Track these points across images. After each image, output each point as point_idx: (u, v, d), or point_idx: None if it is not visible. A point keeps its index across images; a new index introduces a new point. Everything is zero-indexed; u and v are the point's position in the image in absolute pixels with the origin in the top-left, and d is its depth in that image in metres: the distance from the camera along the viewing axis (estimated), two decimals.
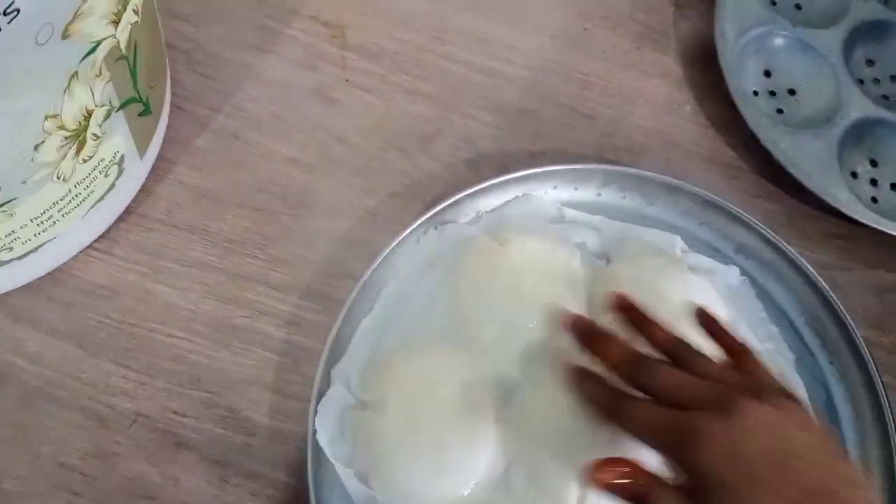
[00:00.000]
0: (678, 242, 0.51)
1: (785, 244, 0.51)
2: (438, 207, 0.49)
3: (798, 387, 0.49)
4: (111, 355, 0.46)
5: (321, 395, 0.44)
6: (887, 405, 0.47)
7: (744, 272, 0.52)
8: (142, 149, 0.46)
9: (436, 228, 0.50)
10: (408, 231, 0.48)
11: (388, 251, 0.47)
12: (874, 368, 0.48)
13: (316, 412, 0.43)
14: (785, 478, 0.31)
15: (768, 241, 0.52)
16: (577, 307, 0.48)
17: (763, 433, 0.32)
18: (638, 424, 0.35)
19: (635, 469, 0.35)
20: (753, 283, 0.52)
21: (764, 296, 0.51)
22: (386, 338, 0.47)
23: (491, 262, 0.48)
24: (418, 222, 0.48)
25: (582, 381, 0.39)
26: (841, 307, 0.50)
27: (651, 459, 0.38)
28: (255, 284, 0.49)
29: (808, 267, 0.50)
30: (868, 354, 0.49)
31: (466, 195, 0.50)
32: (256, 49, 0.56)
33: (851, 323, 0.49)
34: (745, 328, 0.50)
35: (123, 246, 0.49)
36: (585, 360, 0.46)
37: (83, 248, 0.47)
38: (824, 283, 0.50)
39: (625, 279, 0.49)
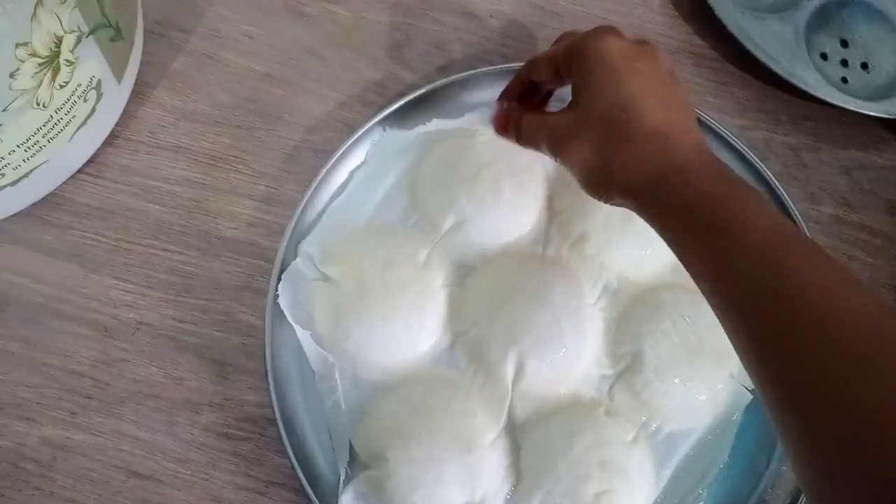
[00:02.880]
0: None
1: (750, 153, 0.52)
2: (411, 96, 0.51)
3: None
4: (110, 271, 0.49)
5: (286, 266, 0.48)
6: None
7: None
8: (118, 74, 0.48)
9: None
10: (385, 113, 0.51)
11: (362, 131, 0.50)
12: None
13: (280, 279, 0.47)
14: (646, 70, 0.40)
15: (736, 153, 0.52)
16: (537, 204, 0.51)
17: (657, 53, 0.41)
18: (551, 53, 0.44)
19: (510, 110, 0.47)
20: None
21: None
22: (352, 218, 0.50)
23: (458, 155, 0.50)
24: (396, 105, 0.51)
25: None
26: (800, 218, 0.51)
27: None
28: (240, 198, 0.51)
29: (770, 176, 0.52)
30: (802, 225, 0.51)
31: (432, 89, 0.52)
32: None
33: (786, 195, 0.51)
34: None
35: (112, 169, 0.51)
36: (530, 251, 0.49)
37: (73, 172, 0.50)
38: (784, 193, 0.51)
39: None
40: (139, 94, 0.52)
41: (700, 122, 0.52)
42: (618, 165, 0.38)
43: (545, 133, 0.43)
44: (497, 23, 0.57)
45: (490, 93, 0.53)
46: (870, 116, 0.55)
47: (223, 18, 0.55)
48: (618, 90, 0.38)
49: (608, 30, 0.41)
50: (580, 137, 0.40)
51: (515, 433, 0.47)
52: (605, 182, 0.40)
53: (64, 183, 0.50)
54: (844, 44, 0.59)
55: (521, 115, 0.46)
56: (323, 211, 0.50)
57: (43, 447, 0.46)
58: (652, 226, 0.38)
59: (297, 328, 0.47)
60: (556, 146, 0.42)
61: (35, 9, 0.37)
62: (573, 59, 0.41)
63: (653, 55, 0.41)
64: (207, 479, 0.46)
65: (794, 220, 0.51)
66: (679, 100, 0.40)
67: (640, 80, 0.39)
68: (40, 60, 0.39)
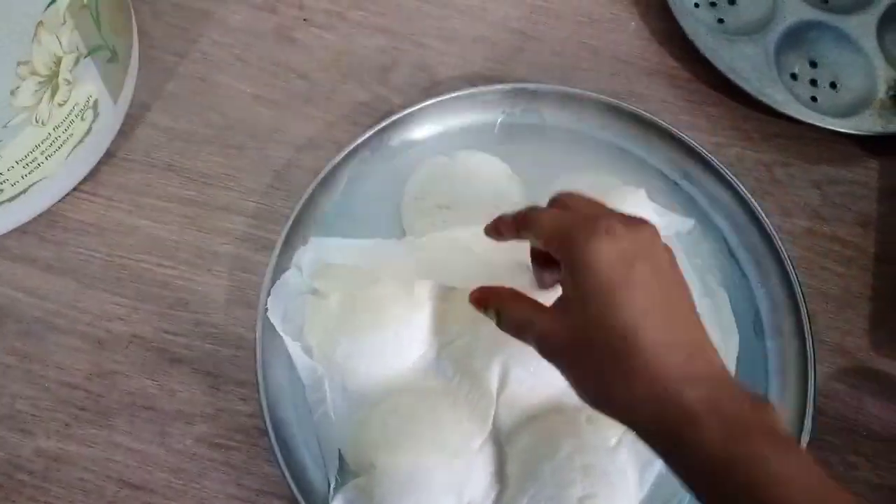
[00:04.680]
0: (641, 196, 0.53)
1: (724, 168, 0.54)
2: (397, 116, 0.53)
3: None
4: (104, 286, 0.50)
5: (276, 280, 0.49)
6: (808, 324, 0.50)
7: (690, 198, 0.55)
8: (114, 94, 0.50)
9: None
10: (369, 133, 0.53)
11: (350, 149, 0.52)
12: (800, 292, 0.51)
13: (269, 293, 0.48)
14: (667, 294, 0.36)
15: (710, 167, 0.54)
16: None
17: (656, 246, 0.36)
18: (545, 224, 0.38)
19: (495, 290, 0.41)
20: (696, 208, 0.55)
21: (705, 221, 0.54)
22: (342, 233, 0.52)
23: (440, 174, 0.52)
24: (381, 125, 0.53)
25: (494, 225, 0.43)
26: (772, 229, 0.52)
27: None
28: (232, 214, 0.53)
29: (744, 190, 0.53)
30: (795, 276, 0.51)
31: (418, 109, 0.54)
32: None
33: (759, 209, 0.53)
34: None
35: (107, 186, 0.53)
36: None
37: (70, 190, 0.51)
38: (758, 206, 0.53)
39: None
40: (134, 114, 0.54)
41: (675, 138, 0.54)
42: (619, 403, 0.35)
43: (532, 334, 0.38)
44: (480, 47, 0.60)
45: (471, 116, 0.55)
46: (839, 133, 0.57)
47: (215, 43, 0.57)
48: (613, 314, 0.34)
49: (601, 226, 0.35)
50: (573, 358, 0.36)
51: (501, 440, 0.48)
52: (606, 411, 0.36)
53: (60, 200, 0.51)
54: (813, 64, 0.61)
55: (505, 298, 0.40)
56: (313, 223, 0.51)
57: (37, 458, 0.47)
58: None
59: (287, 340, 0.48)
60: (546, 354, 0.37)
61: (36, 29, 0.39)
62: (562, 254, 0.36)
63: (650, 249, 0.36)
64: (199, 489, 0.47)
65: (768, 234, 0.53)
66: (682, 309, 0.36)
67: (638, 295, 0.34)
68: (40, 79, 0.41)
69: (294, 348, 0.48)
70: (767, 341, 0.52)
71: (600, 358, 0.35)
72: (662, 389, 0.33)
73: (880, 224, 0.57)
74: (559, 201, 0.40)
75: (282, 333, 0.48)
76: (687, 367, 0.33)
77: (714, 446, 0.32)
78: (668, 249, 0.38)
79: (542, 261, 0.42)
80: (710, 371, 0.34)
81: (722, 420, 0.32)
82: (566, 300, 0.36)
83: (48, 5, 0.39)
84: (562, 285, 0.37)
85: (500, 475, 0.48)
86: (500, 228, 0.42)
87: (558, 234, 0.37)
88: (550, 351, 0.37)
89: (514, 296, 0.40)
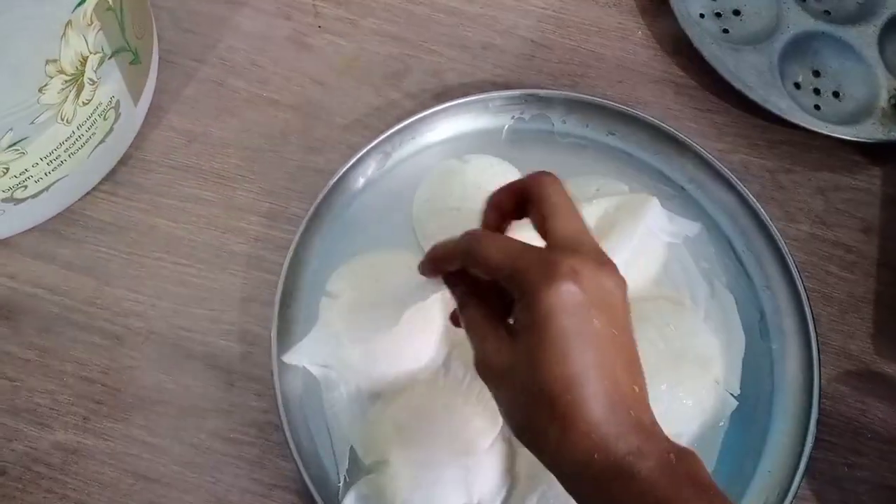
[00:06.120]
0: (655, 204, 0.53)
1: (729, 173, 0.55)
2: (410, 120, 0.54)
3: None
4: (122, 283, 0.51)
5: (290, 278, 0.50)
6: (813, 327, 0.51)
7: (696, 203, 0.56)
8: (135, 96, 0.51)
9: None
10: (382, 137, 0.54)
11: (363, 152, 0.53)
12: (805, 296, 0.52)
13: (283, 291, 0.49)
14: (623, 345, 0.35)
15: (716, 172, 0.55)
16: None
17: (616, 295, 0.35)
18: (494, 258, 0.35)
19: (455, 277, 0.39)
20: (703, 212, 0.56)
21: (712, 225, 0.55)
22: (356, 238, 0.53)
23: (451, 177, 0.54)
24: (393, 129, 0.54)
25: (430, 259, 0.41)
26: (777, 233, 0.53)
27: None
28: (248, 214, 0.54)
29: (749, 195, 0.54)
30: (800, 279, 0.52)
31: (430, 114, 0.55)
32: (233, 3, 0.60)
33: (765, 214, 0.54)
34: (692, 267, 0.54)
35: (126, 186, 0.54)
36: None
37: (90, 189, 0.52)
38: (763, 211, 0.54)
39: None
40: (153, 117, 0.55)
41: (682, 144, 0.56)
42: (546, 446, 0.34)
43: (475, 352, 0.37)
44: (490, 54, 0.61)
45: (481, 121, 0.57)
46: (842, 140, 0.58)
47: (232, 49, 0.59)
48: (562, 364, 0.33)
49: (564, 269, 0.34)
50: (509, 388, 0.35)
51: (511, 438, 0.49)
52: (528, 446, 0.35)
53: (80, 199, 0.52)
54: (816, 74, 0.62)
55: (467, 302, 0.39)
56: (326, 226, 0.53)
57: (55, 451, 0.48)
58: None
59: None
60: (481, 375, 0.37)
61: (65, 28, 0.40)
62: (516, 289, 0.35)
63: (611, 297, 0.35)
64: (213, 483, 0.48)
65: (773, 238, 0.54)
66: (630, 363, 0.35)
67: (591, 349, 0.33)
68: (67, 77, 0.42)
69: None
70: (773, 343, 0.52)
71: (538, 401, 0.33)
72: (596, 443, 0.33)
73: (883, 230, 0.58)
74: (534, 196, 0.38)
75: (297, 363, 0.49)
76: (624, 422, 0.33)
77: (643, 497, 0.32)
78: (622, 290, 0.36)
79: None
80: (642, 425, 0.34)
81: (649, 470, 0.32)
82: (517, 332, 0.35)
83: (77, 6, 0.40)
84: (514, 317, 0.35)
85: (511, 473, 0.48)
86: (437, 262, 0.40)
87: (513, 270, 0.35)
88: (486, 375, 0.37)
89: (476, 303, 0.38)
